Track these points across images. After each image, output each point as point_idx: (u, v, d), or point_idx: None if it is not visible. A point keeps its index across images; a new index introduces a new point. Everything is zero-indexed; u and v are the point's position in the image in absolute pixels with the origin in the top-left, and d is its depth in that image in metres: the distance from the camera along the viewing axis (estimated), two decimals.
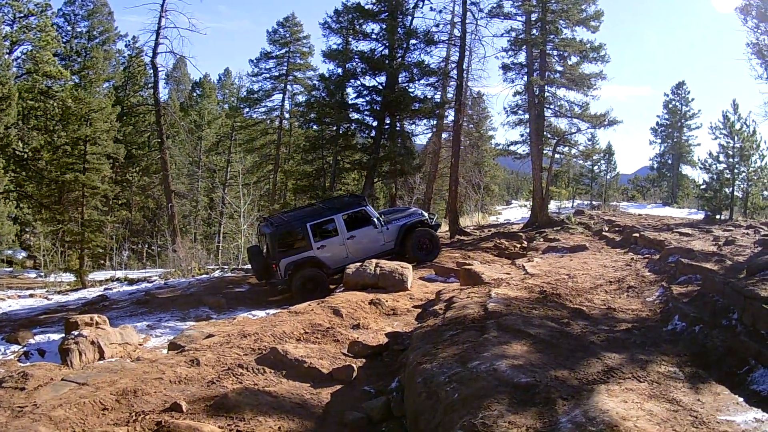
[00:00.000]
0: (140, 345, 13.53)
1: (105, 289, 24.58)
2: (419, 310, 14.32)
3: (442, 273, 19.36)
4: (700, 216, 33.54)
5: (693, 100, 70.80)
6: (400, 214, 23.61)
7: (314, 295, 18.30)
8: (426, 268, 20.48)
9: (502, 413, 6.42)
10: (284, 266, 19.81)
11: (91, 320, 13.48)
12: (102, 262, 41.46)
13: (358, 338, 11.66)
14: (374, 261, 17.53)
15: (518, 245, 26.74)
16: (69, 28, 54.77)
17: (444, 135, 42.72)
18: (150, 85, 46.85)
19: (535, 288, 13.22)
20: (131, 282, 26.18)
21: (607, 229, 28.14)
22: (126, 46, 59.11)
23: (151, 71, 43.69)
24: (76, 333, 12.18)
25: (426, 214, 23.73)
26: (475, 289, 13.57)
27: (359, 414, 8.45)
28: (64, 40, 51.30)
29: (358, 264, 17.31)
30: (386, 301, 14.73)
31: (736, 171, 31.29)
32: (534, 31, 34.18)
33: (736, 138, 31.05)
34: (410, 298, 15.64)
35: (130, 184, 50.43)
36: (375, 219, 21.77)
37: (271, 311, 16.55)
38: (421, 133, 44.25)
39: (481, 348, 8.46)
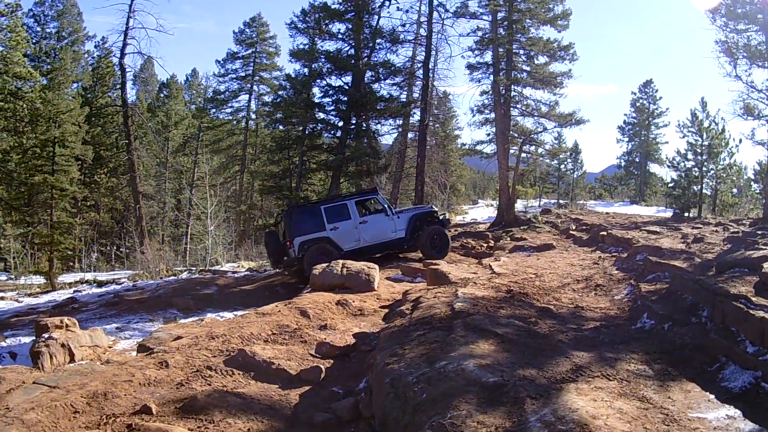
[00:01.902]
0: (110, 347, 13.39)
1: (75, 291, 24.35)
2: (386, 311, 14.20)
3: (408, 273, 19.31)
4: (669, 214, 33.68)
5: (661, 98, 71.37)
6: (412, 207, 26.38)
7: None
8: (392, 267, 20.48)
9: (471, 413, 6.34)
10: (298, 244, 21.27)
11: (61, 323, 13.33)
12: (71, 264, 41.19)
13: (325, 339, 11.56)
14: (340, 261, 17.42)
15: (485, 245, 26.78)
16: (39, 28, 54.62)
17: (410, 135, 42.89)
18: (118, 86, 46.62)
19: (502, 287, 13.17)
20: (100, 284, 25.93)
21: (574, 227, 28.25)
22: (95, 46, 58.98)
23: (119, 72, 43.65)
24: (46, 336, 12.04)
25: (436, 208, 25.43)
26: (441, 289, 13.50)
27: (328, 415, 8.37)
28: (34, 41, 51.12)
29: (324, 264, 17.26)
30: (353, 301, 14.61)
31: (704, 168, 31.45)
32: (500, 30, 34.21)
33: (704, 136, 31.21)
34: (377, 299, 15.53)
35: (98, 186, 50.02)
36: (386, 207, 23.24)
37: (239, 312, 16.46)
38: (387, 133, 44.21)
39: (449, 348, 8.39)
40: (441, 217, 24.42)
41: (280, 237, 22.80)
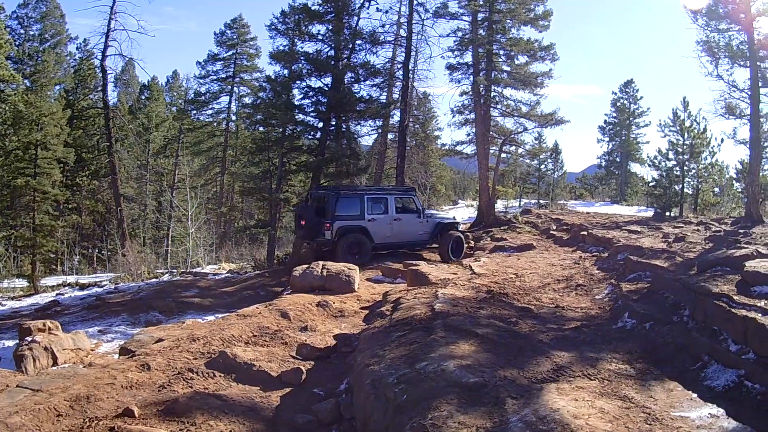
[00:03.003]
0: (92, 350, 13.34)
1: (57, 294, 24.41)
2: (366, 312, 14.23)
3: (388, 274, 19.33)
4: (650, 213, 33.73)
5: (642, 98, 71.93)
6: (435, 212, 27.41)
7: (356, 259, 20.82)
8: (372, 269, 20.47)
9: (452, 413, 6.32)
10: (337, 228, 21.65)
11: (44, 326, 13.26)
12: (54, 267, 41.28)
13: (306, 341, 11.53)
14: (320, 263, 17.36)
15: (465, 245, 26.77)
16: (22, 31, 54.64)
17: (390, 135, 42.84)
18: (99, 88, 46.46)
19: (483, 288, 13.18)
20: (82, 287, 25.94)
21: (554, 227, 28.27)
22: (77, 48, 59.07)
23: (101, 74, 43.51)
24: (29, 339, 11.99)
25: (458, 220, 27.19)
26: (422, 290, 13.52)
27: (309, 417, 8.40)
28: (17, 43, 51.04)
29: (304, 266, 17.25)
30: (334, 302, 14.59)
31: (686, 168, 31.51)
32: (481, 30, 34.23)
33: (686, 135, 31.27)
34: (357, 300, 15.53)
35: (80, 188, 50.06)
36: (420, 208, 24.13)
37: (220, 315, 16.39)
38: (366, 134, 44.17)
39: (429, 349, 8.39)
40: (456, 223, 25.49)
41: (314, 214, 22.77)
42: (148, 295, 20.87)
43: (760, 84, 22.90)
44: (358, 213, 22.30)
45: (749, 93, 23.19)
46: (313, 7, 30.42)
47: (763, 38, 22.76)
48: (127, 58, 44.78)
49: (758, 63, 22.74)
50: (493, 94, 35.39)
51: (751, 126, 23.56)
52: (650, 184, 34.67)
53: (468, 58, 35.40)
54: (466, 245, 24.79)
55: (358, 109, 30.56)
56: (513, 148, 39.87)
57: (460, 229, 25.76)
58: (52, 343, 11.70)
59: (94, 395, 8.84)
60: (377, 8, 39.34)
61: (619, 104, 72.08)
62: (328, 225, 21.72)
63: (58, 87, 54.43)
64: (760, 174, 25.75)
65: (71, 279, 31.35)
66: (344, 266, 17.06)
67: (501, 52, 35.12)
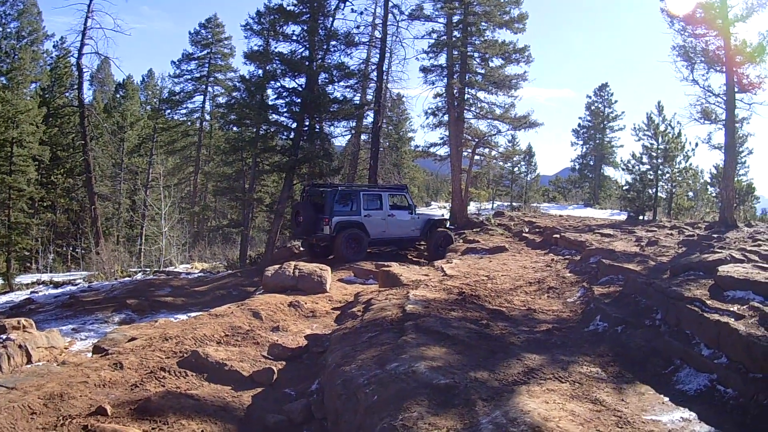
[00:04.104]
0: (66, 348, 13.30)
1: (31, 292, 24.37)
2: (338, 312, 14.22)
3: (360, 275, 19.36)
4: (623, 217, 33.86)
5: (616, 102, 72.40)
6: (426, 209, 29.29)
7: (354, 254, 22.59)
8: (345, 269, 20.39)
9: (422, 415, 6.33)
10: (335, 223, 22.76)
11: (18, 324, 13.24)
12: (28, 264, 41.18)
13: (277, 341, 11.54)
14: (293, 263, 17.35)
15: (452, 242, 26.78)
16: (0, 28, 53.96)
17: (363, 137, 42.89)
18: (75, 87, 46.31)
19: (454, 289, 13.19)
20: (56, 285, 25.87)
21: (527, 230, 28.22)
22: (54, 46, 58.79)
23: (77, 72, 43.50)
24: (4, 337, 11.95)
25: (445, 215, 28.78)
26: (393, 291, 13.55)
27: (281, 416, 8.44)
28: None
29: (276, 266, 17.26)
30: (305, 303, 14.61)
31: (660, 172, 31.66)
32: (456, 33, 34.35)
33: (660, 139, 31.43)
34: (329, 300, 15.54)
35: (55, 186, 49.80)
36: (412, 205, 25.45)
37: (192, 314, 16.36)
38: (340, 135, 44.12)
39: (400, 350, 8.39)
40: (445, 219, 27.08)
41: (312, 210, 23.53)
42: (122, 293, 20.92)
43: (736, 89, 23.03)
44: (355, 209, 23.40)
45: (725, 98, 23.32)
46: (288, 8, 30.30)
47: (739, 44, 22.90)
48: (103, 57, 44.59)
49: (734, 68, 22.86)
50: (467, 96, 35.56)
51: (726, 131, 23.69)
52: (624, 188, 34.81)
53: (442, 60, 35.54)
54: (452, 243, 25.20)
55: (331, 110, 30.55)
56: (486, 150, 40.12)
57: (448, 226, 26.99)
58: (26, 341, 11.66)
59: (68, 393, 8.86)
60: (352, 9, 39.35)
61: (593, 108, 72.40)
62: (326, 220, 22.67)
63: (34, 85, 54.30)
64: (735, 179, 25.96)
65: (46, 277, 31.14)
66: (316, 266, 17.06)
67: (476, 54, 35.27)
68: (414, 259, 24.94)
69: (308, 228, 23.34)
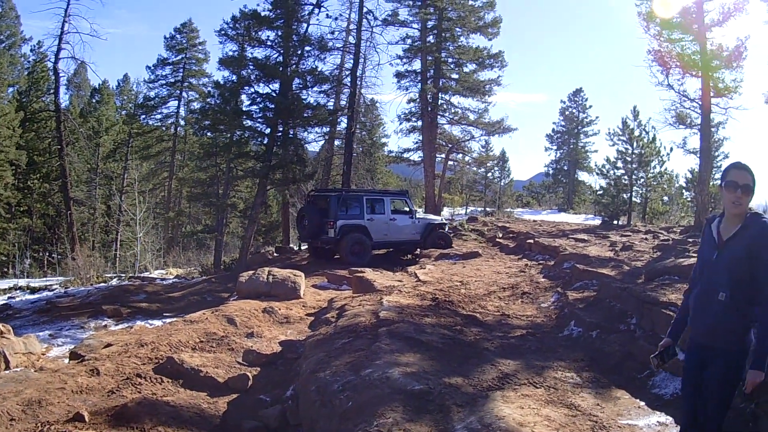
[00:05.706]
0: (43, 354, 13.26)
1: (8, 298, 24.12)
2: (312, 318, 14.25)
3: (334, 280, 19.41)
4: (597, 222, 34.06)
5: (590, 107, 72.50)
6: (427, 214, 29.39)
7: (359, 257, 23.15)
8: (318, 275, 20.51)
9: (397, 421, 6.28)
10: (340, 226, 23.34)
11: None
12: (5, 270, 40.89)
13: (252, 347, 11.53)
14: (266, 269, 17.38)
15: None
16: None
17: (336, 142, 42.78)
18: (52, 91, 46.24)
19: (428, 295, 13.20)
20: (33, 291, 25.74)
21: (500, 235, 28.30)
22: (31, 50, 58.19)
23: (53, 76, 43.54)
24: None
25: (444, 219, 29.99)
26: (367, 297, 13.53)
27: (256, 423, 8.42)
28: None
29: (250, 272, 17.28)
30: (279, 309, 14.62)
31: (634, 177, 31.82)
32: (430, 38, 34.45)
33: (635, 144, 31.62)
34: (303, 306, 15.56)
35: (31, 191, 49.59)
36: (412, 210, 26.05)
37: (168, 320, 16.32)
38: (313, 141, 44.28)
39: (374, 356, 8.36)
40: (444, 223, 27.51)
41: (317, 214, 23.97)
42: (98, 299, 20.78)
43: (711, 94, 23.18)
44: (358, 213, 24.05)
45: (700, 103, 23.48)
46: (263, 13, 30.27)
47: (715, 48, 23.06)
48: (79, 61, 44.57)
49: (710, 73, 23.01)
50: (440, 101, 35.80)
51: (701, 135, 23.86)
52: (598, 193, 35.08)
53: (416, 65, 35.82)
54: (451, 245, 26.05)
55: (305, 115, 30.59)
56: (460, 155, 40.25)
57: (446, 229, 27.13)
58: (4, 346, 11.62)
59: (46, 400, 8.83)
60: (327, 15, 39.17)
61: (567, 113, 72.74)
62: (331, 223, 23.25)
63: (11, 89, 53.86)
64: (710, 183, 26.06)
65: (22, 282, 30.96)
66: (290, 272, 17.09)
67: (450, 59, 35.49)
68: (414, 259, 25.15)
69: (313, 231, 23.84)
